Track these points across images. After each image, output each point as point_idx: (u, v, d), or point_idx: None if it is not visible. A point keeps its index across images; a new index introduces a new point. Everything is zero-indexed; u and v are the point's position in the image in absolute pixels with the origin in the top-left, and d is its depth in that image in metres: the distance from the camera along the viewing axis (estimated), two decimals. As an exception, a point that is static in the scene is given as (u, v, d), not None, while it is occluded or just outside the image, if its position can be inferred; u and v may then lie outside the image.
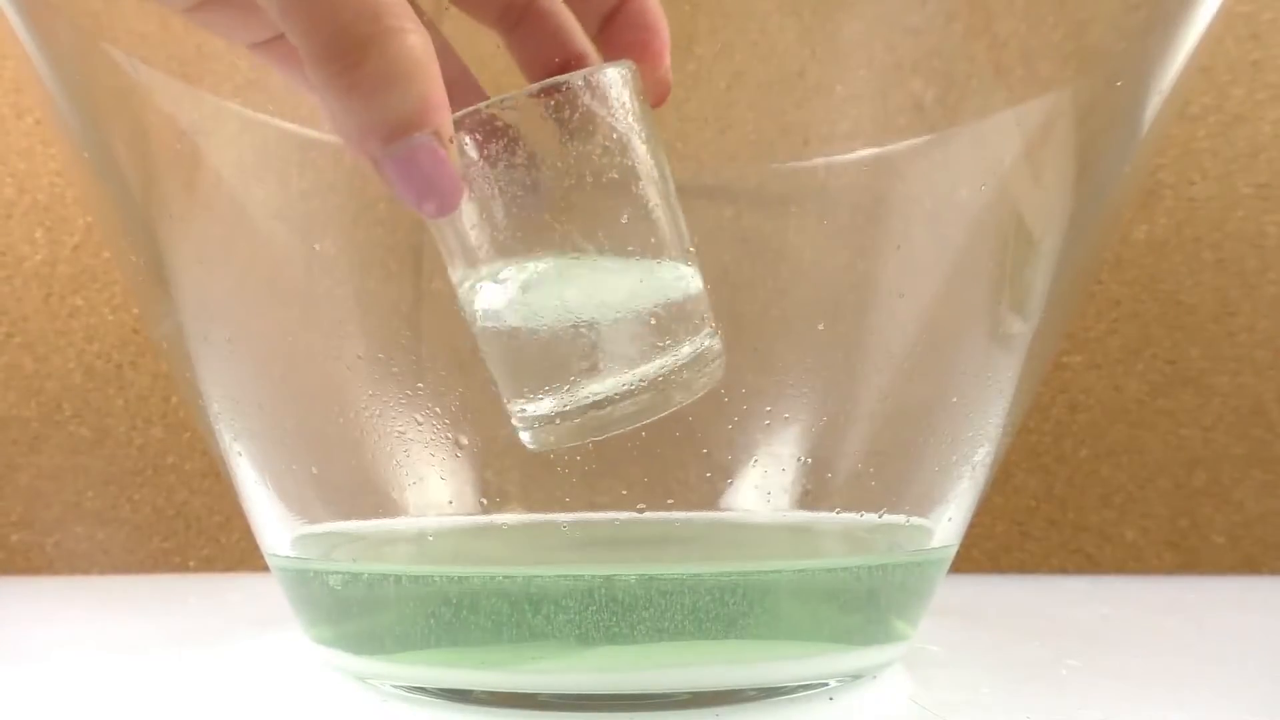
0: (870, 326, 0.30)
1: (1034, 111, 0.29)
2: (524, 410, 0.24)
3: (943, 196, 0.30)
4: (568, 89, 0.23)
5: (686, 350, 0.24)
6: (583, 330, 0.23)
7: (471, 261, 0.23)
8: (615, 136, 0.23)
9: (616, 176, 0.23)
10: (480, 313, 0.24)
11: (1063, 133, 0.29)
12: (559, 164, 0.23)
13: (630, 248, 0.23)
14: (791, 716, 0.27)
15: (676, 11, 0.30)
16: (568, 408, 0.24)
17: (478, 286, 0.24)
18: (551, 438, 0.24)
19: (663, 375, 0.24)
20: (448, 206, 0.22)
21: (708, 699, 0.27)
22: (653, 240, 0.23)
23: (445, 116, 0.21)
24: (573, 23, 0.26)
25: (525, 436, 0.25)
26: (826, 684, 0.29)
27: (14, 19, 0.28)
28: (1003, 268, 0.30)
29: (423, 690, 0.29)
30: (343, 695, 0.30)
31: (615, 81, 0.23)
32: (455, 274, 0.24)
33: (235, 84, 0.29)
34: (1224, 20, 0.47)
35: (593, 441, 0.25)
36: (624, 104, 0.23)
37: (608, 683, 0.27)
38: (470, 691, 0.28)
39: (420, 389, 0.30)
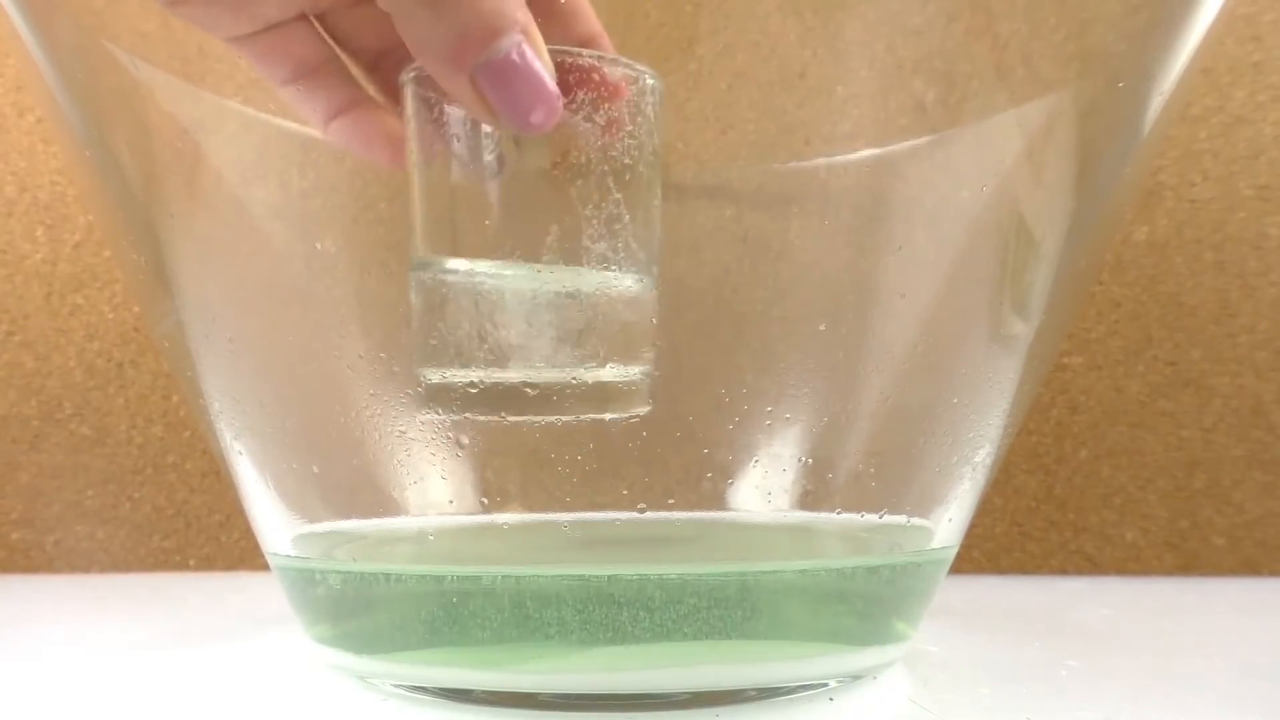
0: (871, 327, 0.30)
1: (1035, 112, 0.29)
2: (439, 379, 0.24)
3: (944, 197, 0.30)
4: (600, 75, 0.22)
5: (611, 370, 0.24)
6: (523, 317, 0.23)
7: (446, 241, 0.23)
8: (633, 135, 0.23)
9: (618, 174, 0.23)
10: (432, 280, 0.24)
11: (1064, 134, 0.29)
12: (562, 144, 0.23)
13: (607, 246, 0.23)
14: (791, 717, 0.27)
15: (678, 11, 0.30)
16: (483, 385, 0.23)
17: (439, 260, 0.24)
18: (451, 406, 0.24)
19: (580, 386, 0.23)
20: (552, 115, 0.21)
21: (708, 699, 0.27)
22: (633, 247, 0.23)
23: (529, 15, 0.21)
24: (583, 4, 0.25)
25: (431, 401, 0.25)
26: (826, 684, 0.29)
27: (15, 17, 0.28)
28: (1004, 268, 0.30)
29: (423, 690, 0.29)
30: (343, 695, 0.30)
31: (652, 87, 0.23)
32: (424, 239, 0.24)
33: (237, 83, 0.29)
34: (1225, 22, 0.47)
35: (593, 442, 0.25)
36: (651, 113, 0.23)
37: (608, 683, 0.27)
38: (470, 691, 0.28)
39: (421, 388, 0.30)
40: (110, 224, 0.33)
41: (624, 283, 0.23)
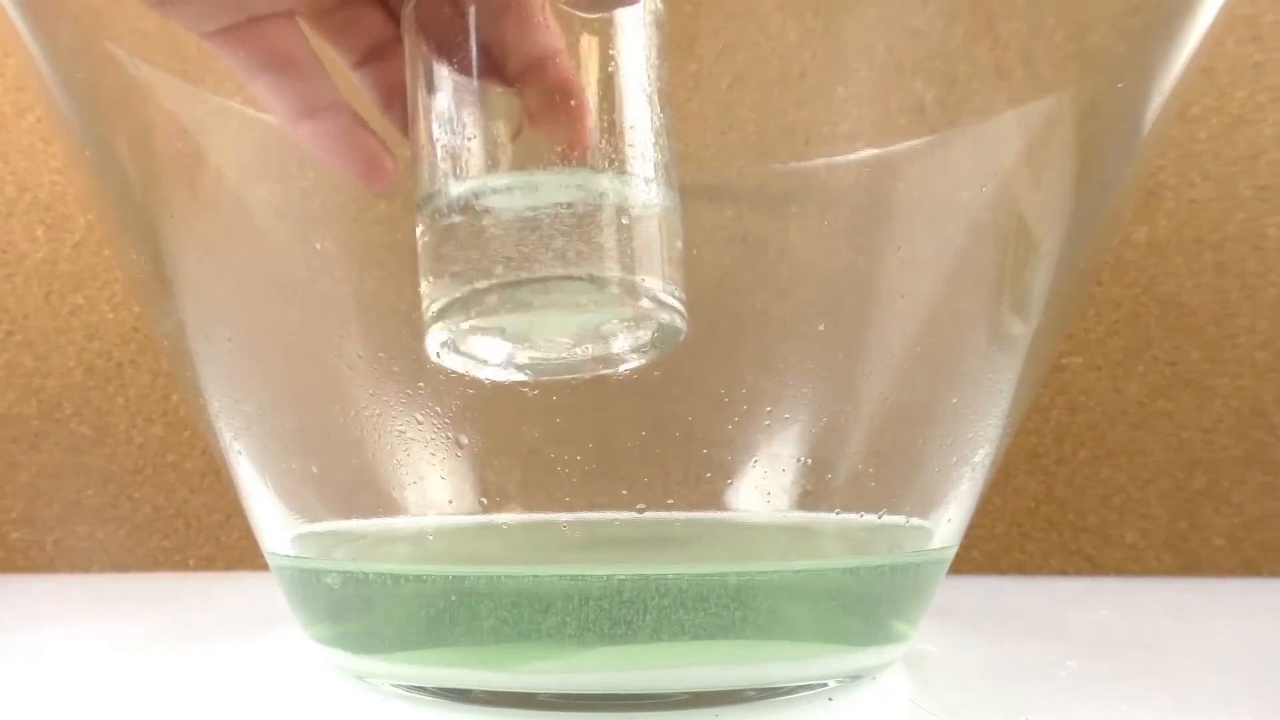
0: (871, 327, 0.30)
1: (1035, 113, 0.29)
2: (448, 322, 0.24)
3: (944, 198, 0.30)
4: None
5: (632, 280, 0.23)
6: (535, 234, 0.23)
7: (454, 168, 0.23)
8: (624, 41, 0.23)
9: (614, 79, 0.23)
10: (443, 210, 0.24)
11: (1064, 134, 0.29)
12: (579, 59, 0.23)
13: (614, 157, 0.23)
14: (791, 717, 0.27)
15: (678, 12, 0.30)
16: (488, 285, 0.23)
17: (448, 189, 0.23)
18: (463, 324, 0.24)
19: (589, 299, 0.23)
20: None
21: (707, 699, 0.27)
22: (645, 153, 0.23)
23: None
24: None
25: (439, 350, 0.24)
26: (826, 684, 0.29)
27: (16, 17, 0.28)
28: (1003, 269, 0.30)
29: (422, 690, 0.29)
30: (342, 695, 0.30)
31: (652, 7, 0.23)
32: (429, 175, 0.24)
33: (237, 82, 0.29)
34: (1225, 22, 0.47)
35: (593, 442, 0.24)
36: (652, 32, 0.23)
37: (607, 683, 0.27)
38: (470, 691, 0.28)
39: (420, 388, 0.30)
40: (110, 224, 0.33)
41: (634, 187, 0.23)
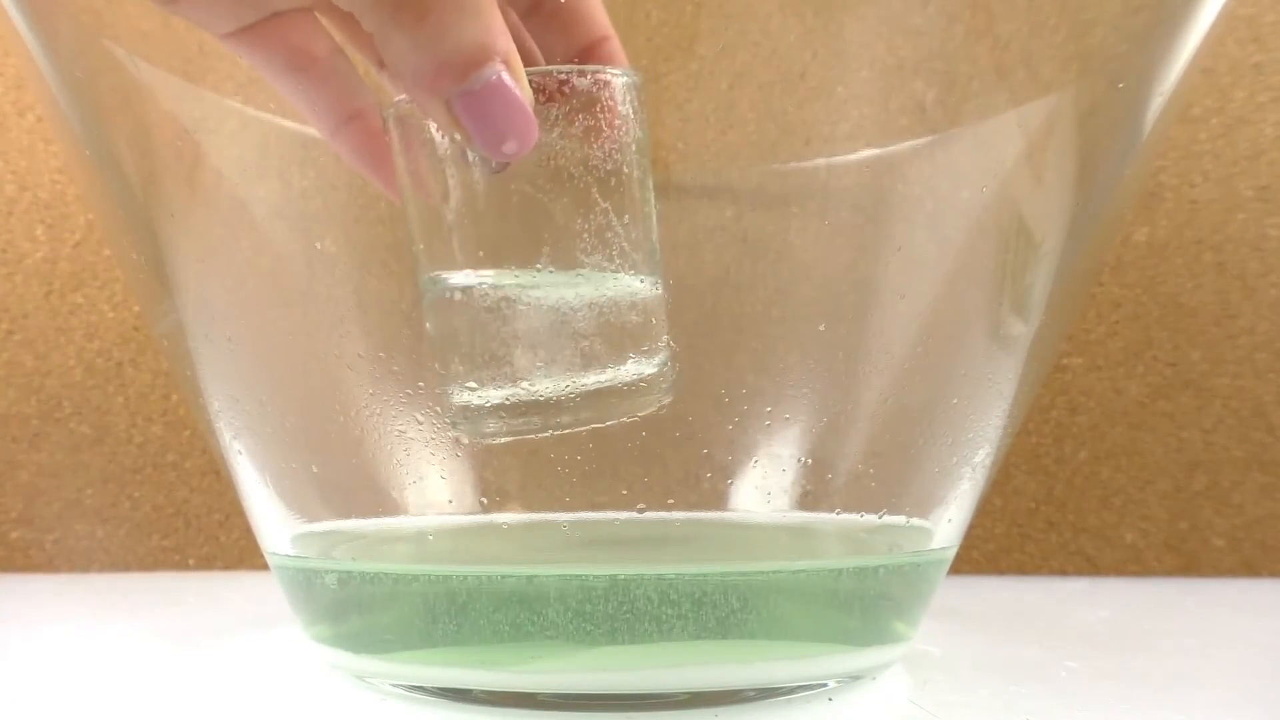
0: (871, 327, 0.30)
1: (1035, 113, 0.29)
2: (464, 400, 0.24)
3: (944, 198, 0.30)
4: (572, 83, 0.22)
5: (630, 369, 0.24)
6: (537, 330, 0.23)
7: (446, 257, 0.23)
8: (611, 140, 0.23)
9: (602, 181, 0.23)
10: (442, 300, 0.24)
11: (1064, 134, 0.29)
12: (552, 156, 0.23)
13: (602, 257, 0.23)
14: (790, 717, 0.27)
15: (678, 12, 0.30)
16: (509, 402, 0.23)
17: (446, 278, 0.24)
18: (483, 430, 0.24)
19: (601, 389, 0.23)
20: (526, 143, 0.21)
21: (707, 699, 0.27)
22: (628, 251, 0.23)
23: (512, 44, 0.20)
24: (593, 6, 0.25)
25: (459, 426, 0.25)
26: (826, 685, 0.29)
27: (16, 16, 0.28)
28: (1004, 269, 0.30)
29: (422, 690, 0.29)
30: (342, 695, 0.30)
31: (624, 87, 0.23)
32: (425, 258, 0.24)
33: (237, 82, 0.29)
34: (1226, 23, 0.47)
35: (593, 442, 0.24)
36: (628, 113, 0.23)
37: (608, 683, 0.27)
38: (470, 691, 0.28)
39: (420, 388, 0.30)
40: (110, 223, 0.33)
41: (625, 284, 0.23)
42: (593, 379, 0.23)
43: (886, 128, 0.30)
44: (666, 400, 0.25)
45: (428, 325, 0.25)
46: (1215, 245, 0.54)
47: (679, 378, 0.25)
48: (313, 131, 0.29)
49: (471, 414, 0.24)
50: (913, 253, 0.30)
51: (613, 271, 0.23)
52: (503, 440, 0.24)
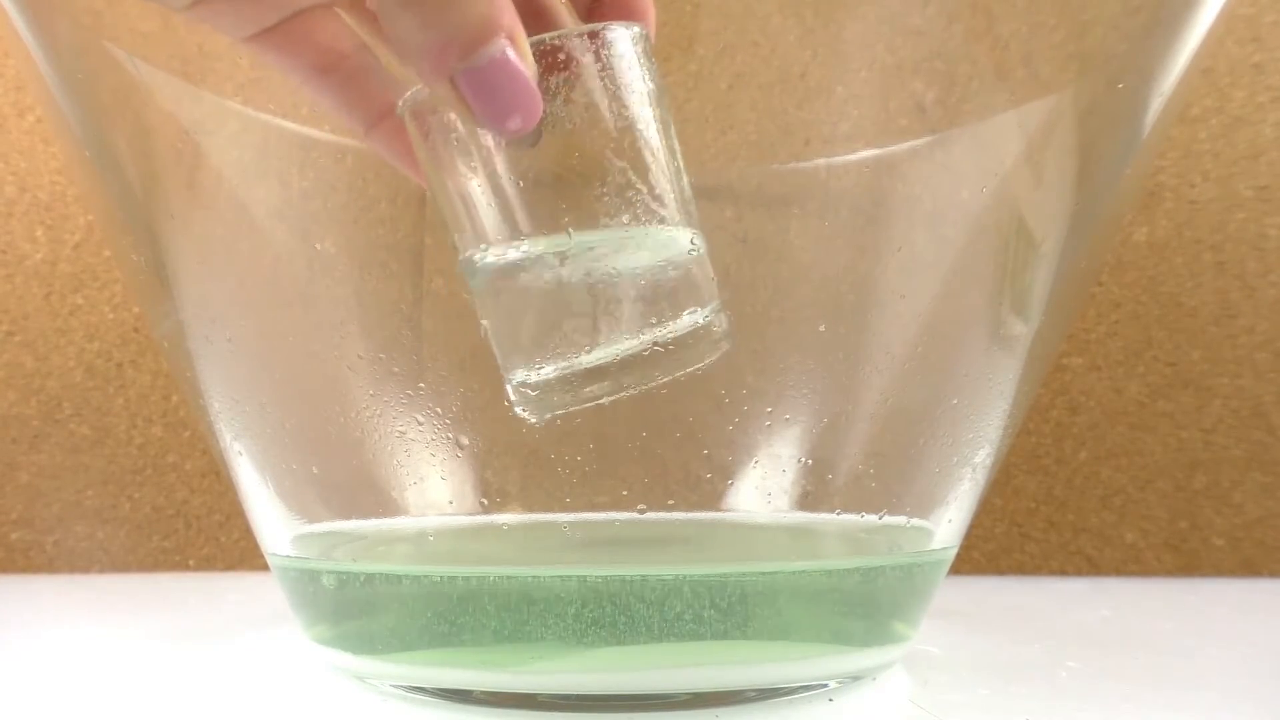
0: (871, 327, 0.30)
1: (1035, 113, 0.29)
2: (526, 379, 0.24)
3: (944, 198, 0.30)
4: (566, 48, 0.22)
5: (685, 321, 0.24)
6: (583, 297, 0.23)
7: (479, 235, 0.23)
8: (617, 98, 0.23)
9: (615, 141, 0.23)
10: (485, 282, 0.24)
11: (1064, 134, 0.29)
12: (560, 124, 0.22)
13: (628, 216, 0.23)
14: (791, 717, 0.27)
15: (678, 12, 0.30)
16: (568, 372, 0.23)
17: (482, 257, 0.23)
18: (551, 405, 0.24)
19: (661, 344, 0.23)
20: (531, 119, 0.21)
21: (707, 699, 0.27)
22: (654, 207, 0.23)
23: (517, 20, 0.20)
24: None
25: (525, 407, 0.25)
26: (826, 685, 0.29)
27: (15, 17, 0.28)
28: (1003, 269, 0.30)
29: (422, 690, 0.29)
30: (342, 695, 0.30)
31: (622, 40, 0.23)
32: (460, 243, 0.24)
33: (237, 83, 0.29)
34: (1225, 23, 0.47)
35: (593, 442, 0.24)
36: (630, 66, 0.23)
37: (608, 683, 0.27)
38: (470, 691, 0.28)
39: (421, 389, 0.30)
40: (110, 224, 0.33)
41: (665, 236, 0.23)
42: (649, 335, 0.23)
43: (886, 128, 0.30)
44: (725, 347, 0.24)
45: (480, 318, 0.24)
46: (1215, 245, 0.54)
47: (733, 323, 0.25)
48: (312, 132, 0.29)
49: (542, 390, 0.24)
50: (913, 253, 0.30)
51: (644, 225, 0.23)
52: (577, 407, 0.24)
